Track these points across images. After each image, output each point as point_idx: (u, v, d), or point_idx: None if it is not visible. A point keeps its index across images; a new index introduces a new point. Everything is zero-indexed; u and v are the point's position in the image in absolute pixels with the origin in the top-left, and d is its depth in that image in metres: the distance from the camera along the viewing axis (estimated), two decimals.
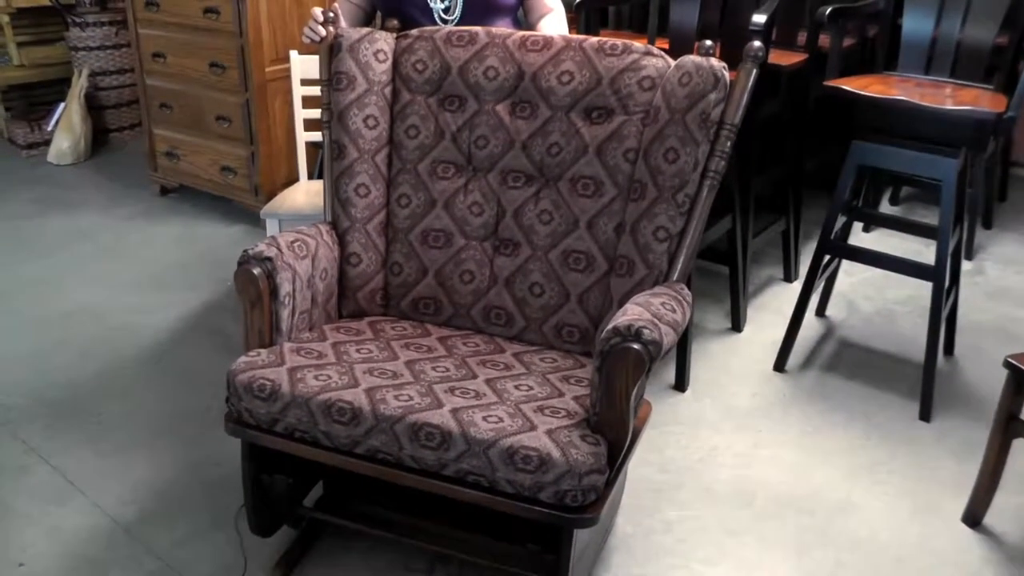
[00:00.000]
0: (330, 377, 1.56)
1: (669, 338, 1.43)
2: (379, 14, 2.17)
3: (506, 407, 1.49)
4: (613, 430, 1.43)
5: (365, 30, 1.89)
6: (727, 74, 1.63)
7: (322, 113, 1.91)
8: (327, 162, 1.92)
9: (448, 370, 1.64)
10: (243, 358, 1.61)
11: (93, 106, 4.31)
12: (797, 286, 2.59)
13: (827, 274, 2.67)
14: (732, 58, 1.75)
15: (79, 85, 4.16)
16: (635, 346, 1.36)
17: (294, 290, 1.70)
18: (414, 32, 1.91)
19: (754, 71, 1.62)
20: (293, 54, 2.61)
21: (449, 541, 1.69)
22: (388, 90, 1.90)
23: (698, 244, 1.69)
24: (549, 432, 1.41)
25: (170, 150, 3.67)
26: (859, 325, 2.80)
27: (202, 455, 2.11)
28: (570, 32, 2.14)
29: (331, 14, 1.90)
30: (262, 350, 1.64)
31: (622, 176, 1.74)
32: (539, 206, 1.81)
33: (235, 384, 1.56)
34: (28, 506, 1.94)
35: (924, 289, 2.39)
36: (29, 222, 3.54)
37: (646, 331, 1.37)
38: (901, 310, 2.89)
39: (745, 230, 2.67)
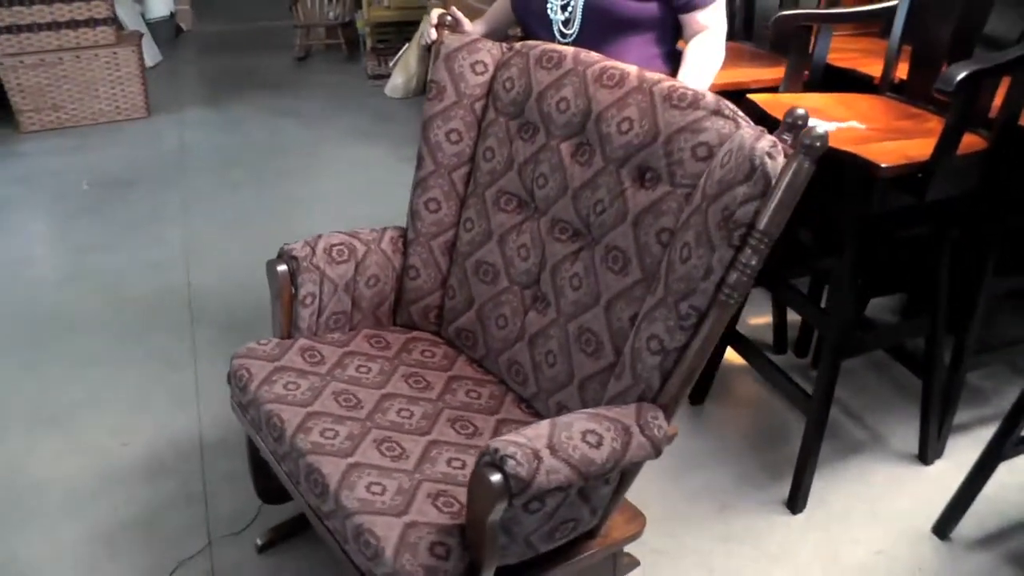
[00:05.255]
0: (297, 387, 1.59)
1: (556, 477, 1.19)
2: None
3: (409, 479, 1.39)
4: (474, 551, 1.25)
5: (469, 38, 1.79)
6: (771, 163, 1.23)
7: None
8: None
9: (411, 416, 1.56)
10: (250, 344, 1.71)
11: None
12: None
13: None
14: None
15: (421, 30, 4.58)
16: (494, 476, 1.16)
17: (321, 292, 1.75)
18: (518, 45, 1.76)
19: (806, 165, 1.20)
20: None
21: None
22: (480, 105, 1.79)
23: (699, 369, 1.34)
24: (410, 525, 1.28)
25: None
26: None
27: None
28: (725, 61, 1.79)
29: (449, 17, 1.83)
30: (275, 339, 1.73)
31: (650, 259, 1.44)
32: (573, 267, 1.59)
33: (231, 366, 1.68)
34: (160, 399, 2.34)
35: None
36: (336, 146, 4.07)
37: (512, 462, 1.16)
38: None
39: (961, 344, 2.03)
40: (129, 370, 2.47)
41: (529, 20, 1.84)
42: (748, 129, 1.31)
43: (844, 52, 2.35)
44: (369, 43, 4.93)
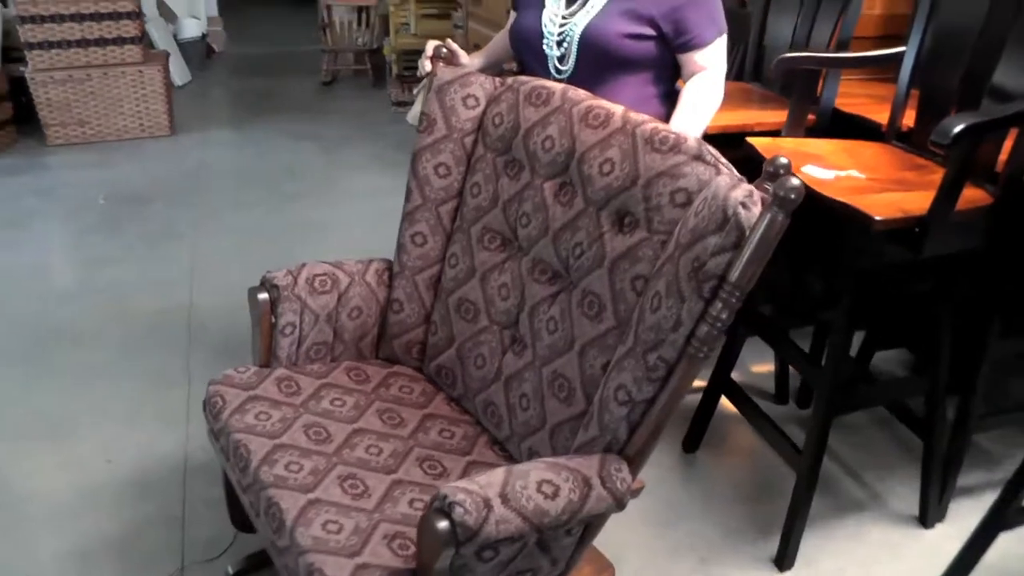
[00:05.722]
0: (269, 417, 1.57)
1: (506, 527, 1.15)
2: None
3: (367, 518, 1.35)
4: None
5: (462, 71, 1.78)
6: (745, 213, 1.19)
7: None
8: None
9: (379, 453, 1.53)
10: (229, 371, 1.70)
11: None
12: None
13: None
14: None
15: None
16: (440, 523, 1.13)
17: (301, 322, 1.73)
18: (510, 80, 1.74)
19: (779, 218, 1.16)
20: None
21: None
22: (469, 140, 1.78)
23: (666, 421, 1.30)
24: (361, 566, 1.25)
25: None
26: None
27: None
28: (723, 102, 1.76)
29: (444, 49, 1.83)
30: (253, 367, 1.72)
31: (625, 307, 1.40)
32: (551, 310, 1.55)
33: (207, 392, 1.67)
34: (152, 419, 2.34)
35: None
36: (353, 171, 4.10)
37: (460, 509, 1.12)
38: None
39: (967, 406, 1.95)
40: (126, 387, 2.47)
41: (526, 56, 1.83)
42: (725, 177, 1.27)
43: (854, 97, 2.31)
44: (395, 70, 4.98)
